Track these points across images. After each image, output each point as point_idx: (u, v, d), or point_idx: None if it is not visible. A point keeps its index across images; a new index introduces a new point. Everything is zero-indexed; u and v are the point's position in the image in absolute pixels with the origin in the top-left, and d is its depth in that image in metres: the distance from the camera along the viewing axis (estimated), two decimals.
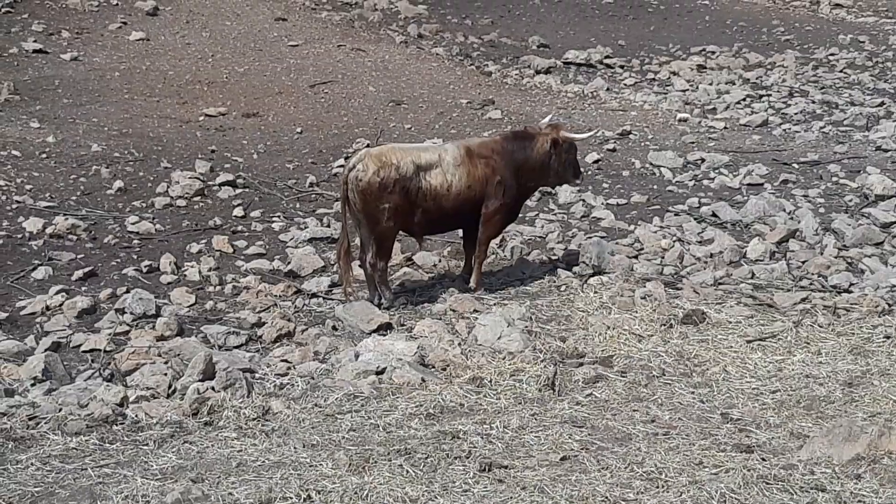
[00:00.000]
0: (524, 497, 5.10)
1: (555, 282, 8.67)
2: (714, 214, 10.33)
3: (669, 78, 17.27)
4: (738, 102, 15.56)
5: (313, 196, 11.01)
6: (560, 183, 9.35)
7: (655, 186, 11.51)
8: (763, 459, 5.46)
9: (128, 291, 8.24)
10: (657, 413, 6.23)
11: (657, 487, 5.17)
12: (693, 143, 13.28)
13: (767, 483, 5.15)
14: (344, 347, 7.30)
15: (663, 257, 9.22)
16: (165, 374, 6.78)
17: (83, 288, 8.47)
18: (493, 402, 6.45)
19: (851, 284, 8.53)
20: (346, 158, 11.85)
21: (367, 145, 12.42)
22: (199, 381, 6.59)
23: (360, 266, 8.40)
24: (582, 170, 9.16)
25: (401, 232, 8.41)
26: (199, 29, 17.41)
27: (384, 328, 7.65)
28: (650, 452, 5.59)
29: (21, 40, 15.65)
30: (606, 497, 5.06)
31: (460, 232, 8.88)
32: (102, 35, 16.54)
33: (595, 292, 8.30)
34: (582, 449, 5.69)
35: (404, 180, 7.98)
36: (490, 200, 8.40)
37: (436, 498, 5.11)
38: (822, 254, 9.17)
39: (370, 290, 8.32)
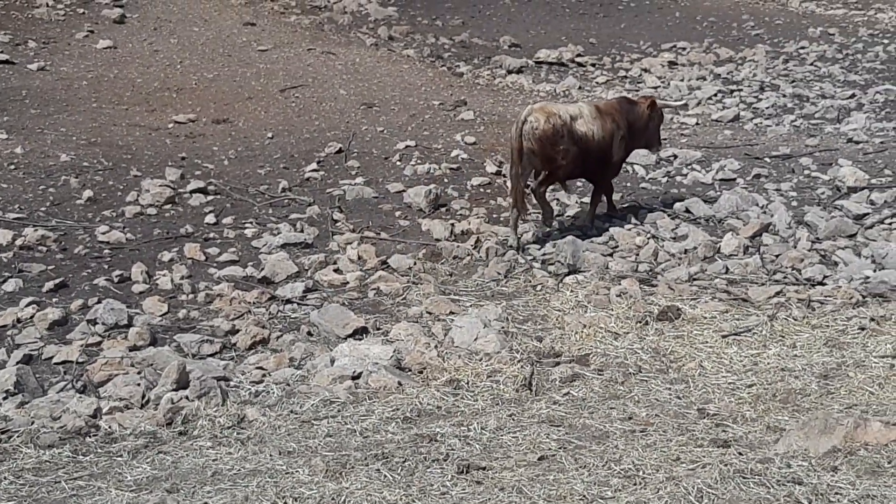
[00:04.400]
0: (502, 498, 5.07)
1: (530, 281, 8.67)
2: (687, 210, 10.35)
3: (641, 75, 17.29)
4: (710, 98, 15.60)
5: (286, 201, 10.94)
6: (647, 146, 10.67)
7: (629, 184, 11.52)
8: (740, 454, 5.45)
9: (99, 302, 8.14)
10: (634, 410, 6.23)
11: (635, 485, 5.16)
12: (665, 139, 13.29)
13: (744, 477, 5.14)
14: (319, 353, 7.25)
15: (638, 254, 9.24)
16: (139, 385, 6.70)
17: (54, 299, 8.37)
18: (471, 404, 6.43)
19: (825, 277, 8.55)
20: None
21: (339, 150, 12.41)
22: (173, 390, 6.53)
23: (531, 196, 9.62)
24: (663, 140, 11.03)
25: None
26: (166, 35, 17.32)
27: (359, 332, 7.60)
28: (627, 450, 5.58)
29: None
30: (584, 496, 5.04)
31: (435, 233, 8.95)
32: (69, 44, 16.42)
33: (571, 291, 8.31)
34: (560, 448, 5.67)
35: (568, 125, 9.28)
36: (614, 152, 9.81)
37: (414, 501, 5.07)
38: (795, 247, 9.20)
39: (512, 229, 9.51)
